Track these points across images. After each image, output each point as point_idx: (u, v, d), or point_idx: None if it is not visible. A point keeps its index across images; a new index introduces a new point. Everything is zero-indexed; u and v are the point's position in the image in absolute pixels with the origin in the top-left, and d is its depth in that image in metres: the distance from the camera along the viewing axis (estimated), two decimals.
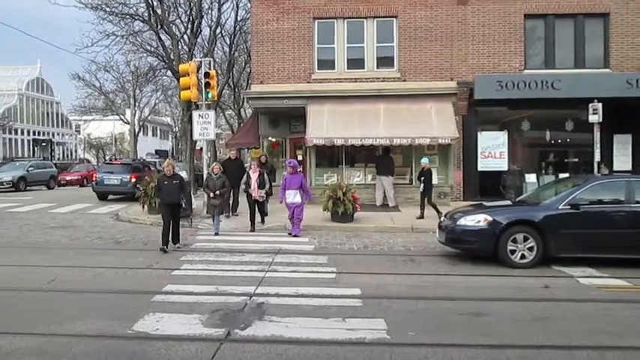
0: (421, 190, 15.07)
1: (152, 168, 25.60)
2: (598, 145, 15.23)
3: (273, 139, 20.34)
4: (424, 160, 15.33)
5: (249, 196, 13.23)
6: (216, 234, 12.49)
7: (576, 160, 18.60)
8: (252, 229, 13.19)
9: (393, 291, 7.52)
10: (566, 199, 9.20)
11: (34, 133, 47.79)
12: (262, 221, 13.73)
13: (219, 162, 13.95)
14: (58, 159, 48.31)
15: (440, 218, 13.84)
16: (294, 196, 12.52)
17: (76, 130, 59.15)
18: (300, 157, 19.70)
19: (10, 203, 20.20)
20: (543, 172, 18.58)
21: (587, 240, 8.96)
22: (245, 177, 13.48)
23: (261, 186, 13.13)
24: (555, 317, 6.31)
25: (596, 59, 18.07)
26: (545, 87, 17.17)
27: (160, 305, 6.67)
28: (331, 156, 18.92)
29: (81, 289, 7.58)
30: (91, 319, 6.06)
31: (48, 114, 51.17)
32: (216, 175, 12.62)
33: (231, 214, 15.38)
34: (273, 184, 15.07)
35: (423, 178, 14.96)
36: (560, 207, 9.13)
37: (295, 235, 12.35)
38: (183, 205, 11.05)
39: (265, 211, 14.26)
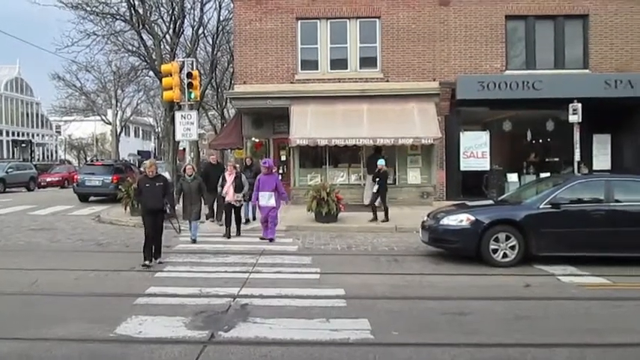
0: (374, 190, 14.56)
1: (134, 169, 25.40)
2: (578, 145, 15.46)
3: (257, 140, 20.29)
4: (380, 162, 14.71)
5: (223, 199, 12.36)
6: (194, 241, 11.46)
7: (557, 159, 18.86)
8: (227, 235, 12.14)
9: (377, 291, 7.55)
10: (547, 198, 9.32)
11: (13, 134, 47.09)
12: (238, 231, 12.47)
13: (202, 162, 13.01)
14: (38, 160, 47.67)
15: (374, 221, 14.03)
16: (268, 199, 11.78)
17: (56, 131, 58.40)
18: (283, 158, 19.69)
19: None
20: (525, 171, 18.81)
21: (568, 239, 9.07)
22: (220, 179, 12.48)
23: (237, 189, 12.10)
24: (537, 316, 6.38)
25: (576, 60, 18.34)
26: (526, 87, 17.37)
27: (142, 308, 6.62)
28: (315, 156, 18.93)
29: (63, 292, 7.49)
30: (73, 323, 5.99)
31: (27, 114, 50.49)
32: (190, 176, 11.43)
33: (216, 220, 14.26)
34: None
35: (378, 179, 14.42)
36: (541, 206, 9.24)
37: (271, 240, 11.65)
38: (168, 210, 9.50)
39: (246, 217, 13.57)
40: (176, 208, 10.56)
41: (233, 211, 12.30)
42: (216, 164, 14.75)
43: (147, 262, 9.09)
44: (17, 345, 5.33)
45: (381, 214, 14.30)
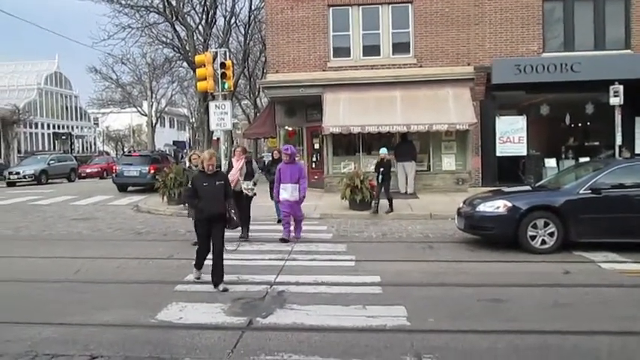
0: (379, 181, 13.86)
1: (170, 159, 25.85)
2: (619, 129, 15.03)
3: (290, 129, 20.37)
4: (383, 151, 14.16)
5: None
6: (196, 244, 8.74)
7: (597, 143, 18.34)
8: (244, 236, 10.45)
9: (413, 278, 7.53)
10: (587, 183, 9.10)
11: (53, 127, 48.35)
12: (244, 234, 10.43)
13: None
14: (78, 152, 48.90)
15: (373, 210, 13.55)
16: (291, 192, 10.28)
17: (94, 123, 59.71)
18: (316, 146, 19.72)
19: (33, 196, 20.57)
20: (563, 156, 18.36)
21: (609, 225, 8.85)
22: (227, 167, 11.01)
23: (248, 176, 10.54)
24: (577, 303, 6.27)
25: (617, 40, 17.73)
26: (565, 70, 16.91)
27: (182, 295, 6.77)
28: (348, 144, 18.89)
29: (105, 279, 7.72)
30: (116, 309, 6.17)
31: (67, 107, 51.70)
32: (197, 167, 8.79)
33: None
34: None
35: (382, 169, 13.80)
36: (580, 192, 9.03)
37: (297, 238, 10.44)
38: (234, 217, 7.12)
39: (279, 217, 11.65)
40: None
41: (240, 206, 9.28)
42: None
43: (198, 275, 7.32)
44: (63, 330, 5.52)
45: (435, 199, 14.16)
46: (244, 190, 10.33)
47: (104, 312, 6.07)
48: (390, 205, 13.86)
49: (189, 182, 8.79)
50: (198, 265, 7.29)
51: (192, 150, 11.68)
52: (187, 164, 10.39)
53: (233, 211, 7.10)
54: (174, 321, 5.79)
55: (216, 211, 6.92)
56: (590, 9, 17.78)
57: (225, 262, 8.54)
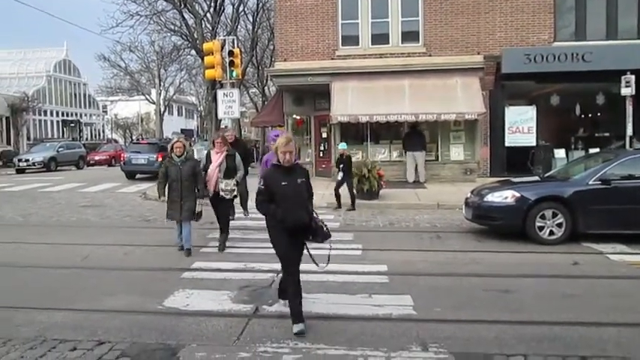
0: (339, 178, 13.09)
1: None
2: (630, 119, 14.88)
3: (298, 117, 20.33)
4: (342, 146, 13.57)
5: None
6: (188, 251, 8.19)
7: (607, 134, 18.14)
8: (222, 240, 8.75)
9: (420, 267, 7.52)
10: (597, 174, 9.02)
11: (62, 114, 48.56)
12: (221, 245, 8.69)
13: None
14: (87, 139, 49.13)
15: (335, 207, 12.67)
16: None
17: (103, 111, 59.96)
18: (324, 135, 19.68)
19: (43, 183, 20.69)
20: (573, 147, 18.21)
21: (619, 216, 8.78)
22: (204, 160, 8.85)
23: (227, 174, 8.61)
24: (585, 294, 6.23)
25: (630, 30, 17.50)
26: (576, 59, 16.72)
27: (189, 282, 6.80)
28: (356, 133, 18.82)
29: (113, 266, 7.76)
30: (124, 295, 6.21)
31: (76, 95, 51.88)
32: (179, 157, 8.19)
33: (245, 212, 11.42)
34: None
35: (342, 166, 13.04)
36: (590, 182, 8.96)
37: None
38: (323, 225, 5.30)
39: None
40: (162, 200, 8.46)
41: (219, 208, 8.81)
42: (234, 141, 10.58)
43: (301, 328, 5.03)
44: (72, 315, 5.56)
45: (443, 189, 14.09)
46: (221, 192, 8.51)
47: (112, 298, 6.12)
48: (353, 203, 12.98)
49: (165, 174, 8.25)
50: (284, 292, 5.49)
51: (177, 137, 9.56)
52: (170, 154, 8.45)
53: (319, 217, 5.32)
54: (181, 308, 5.82)
55: (301, 220, 5.10)
56: None
57: (230, 250, 8.50)
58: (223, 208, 8.86)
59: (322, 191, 14.59)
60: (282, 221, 5.06)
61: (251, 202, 8.47)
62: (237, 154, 9.02)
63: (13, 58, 47.20)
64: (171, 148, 8.33)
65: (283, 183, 5.05)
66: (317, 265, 5.29)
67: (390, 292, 6.30)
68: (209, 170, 8.56)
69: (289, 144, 5.08)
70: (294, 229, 5.08)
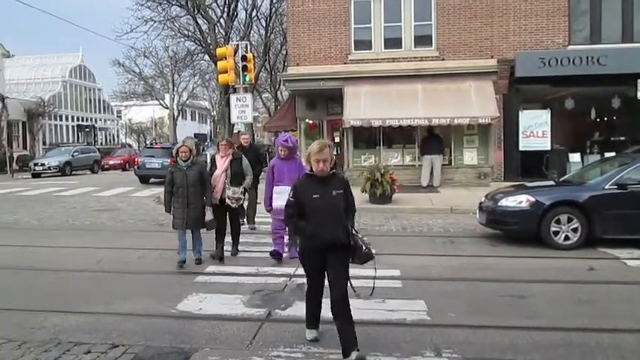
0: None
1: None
2: None
3: (311, 122, 20.34)
4: None
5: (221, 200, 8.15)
6: (199, 260, 7.92)
7: (623, 138, 17.93)
8: (219, 257, 8.14)
9: (433, 272, 7.47)
10: (613, 178, 8.92)
11: (77, 119, 49.04)
12: (234, 248, 8.52)
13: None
14: (101, 144, 49.57)
15: None
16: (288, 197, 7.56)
17: (117, 116, 60.46)
18: (337, 139, 19.68)
19: (57, 187, 20.91)
20: (588, 151, 18.01)
21: (635, 221, 8.65)
22: (209, 163, 8.40)
23: (234, 179, 8.16)
24: (601, 300, 6.15)
25: None
26: (591, 63, 16.56)
27: (202, 286, 6.82)
28: (369, 137, 18.80)
29: (127, 269, 7.80)
30: (137, 299, 6.24)
31: (91, 100, 52.38)
32: (185, 162, 7.76)
33: (246, 223, 10.76)
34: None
35: None
36: (606, 187, 8.86)
37: (292, 258, 7.69)
38: (363, 245, 4.75)
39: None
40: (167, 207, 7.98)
41: (228, 216, 8.35)
42: (248, 148, 10.80)
43: (313, 337, 4.95)
44: (86, 319, 5.59)
45: (456, 193, 14.06)
46: (227, 200, 8.02)
47: (125, 302, 6.15)
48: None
49: (171, 181, 7.67)
50: (311, 321, 4.97)
51: (184, 141, 9.21)
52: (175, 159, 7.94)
53: (360, 235, 4.74)
54: (194, 312, 5.84)
55: (335, 238, 4.51)
56: (618, 0, 17.38)
57: (243, 255, 8.43)
58: (233, 216, 8.40)
59: None
60: (312, 238, 4.52)
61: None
62: (243, 157, 8.57)
63: (30, 64, 47.77)
64: (177, 153, 7.91)
65: (315, 195, 4.48)
66: (355, 292, 4.74)
67: (403, 296, 6.26)
68: (214, 176, 8.11)
69: (323, 151, 4.49)
70: (325, 248, 4.53)
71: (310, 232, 4.50)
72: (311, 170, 4.57)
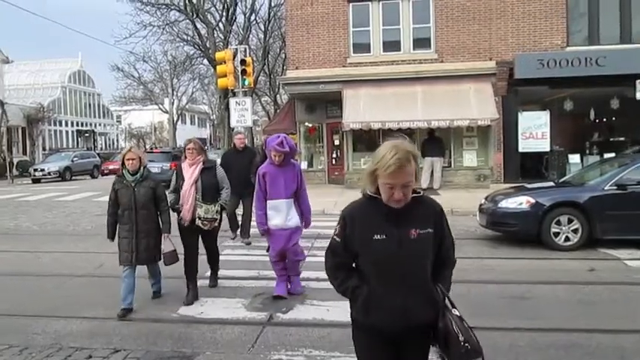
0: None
1: None
2: None
3: (310, 125, 20.36)
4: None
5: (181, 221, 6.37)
6: (156, 294, 6.61)
7: (622, 139, 17.97)
8: (190, 297, 6.26)
9: None
10: (613, 179, 8.91)
11: (77, 125, 49.08)
12: (213, 279, 6.97)
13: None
14: (101, 149, 49.61)
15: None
16: (287, 214, 6.16)
17: (117, 121, 60.54)
18: (337, 142, 19.70)
19: (58, 192, 20.91)
20: (587, 152, 18.05)
21: (635, 221, 8.65)
22: (174, 178, 6.51)
23: (206, 196, 6.25)
24: (602, 301, 6.15)
25: None
26: (589, 64, 16.60)
27: (203, 290, 6.79)
28: (368, 140, 18.78)
29: None
30: (138, 303, 6.22)
31: (90, 105, 52.45)
32: (133, 176, 6.06)
33: (240, 235, 9.83)
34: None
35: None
36: (606, 188, 8.85)
37: (292, 294, 6.37)
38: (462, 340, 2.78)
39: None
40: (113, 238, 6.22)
41: (200, 240, 6.57)
42: (242, 150, 9.60)
43: None
44: (87, 323, 5.60)
45: (457, 195, 14.03)
46: (197, 221, 6.21)
47: None
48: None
49: (115, 202, 5.95)
50: None
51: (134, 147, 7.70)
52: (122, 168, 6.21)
53: (457, 311, 2.89)
54: (195, 315, 5.84)
55: (413, 315, 2.66)
56: (616, 1, 17.43)
57: (244, 258, 8.37)
58: (209, 239, 6.67)
59: (335, 198, 14.61)
60: (365, 313, 2.67)
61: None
62: (217, 166, 6.70)
63: (30, 70, 47.82)
64: (122, 162, 5.96)
65: (378, 236, 2.58)
66: None
67: None
68: (183, 191, 6.25)
69: (405, 169, 2.59)
70: (393, 335, 2.65)
71: (363, 301, 2.66)
72: (376, 193, 2.66)
